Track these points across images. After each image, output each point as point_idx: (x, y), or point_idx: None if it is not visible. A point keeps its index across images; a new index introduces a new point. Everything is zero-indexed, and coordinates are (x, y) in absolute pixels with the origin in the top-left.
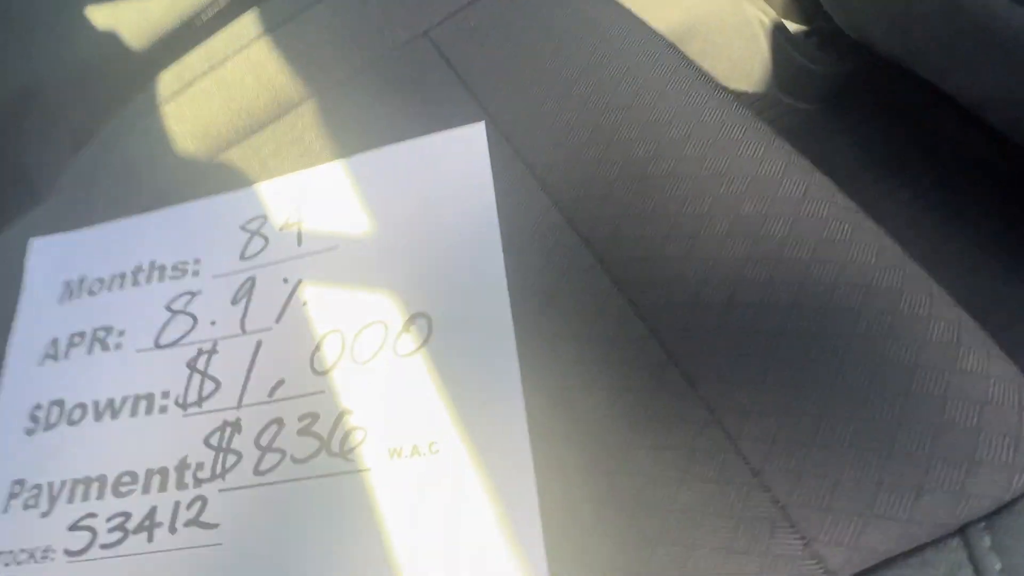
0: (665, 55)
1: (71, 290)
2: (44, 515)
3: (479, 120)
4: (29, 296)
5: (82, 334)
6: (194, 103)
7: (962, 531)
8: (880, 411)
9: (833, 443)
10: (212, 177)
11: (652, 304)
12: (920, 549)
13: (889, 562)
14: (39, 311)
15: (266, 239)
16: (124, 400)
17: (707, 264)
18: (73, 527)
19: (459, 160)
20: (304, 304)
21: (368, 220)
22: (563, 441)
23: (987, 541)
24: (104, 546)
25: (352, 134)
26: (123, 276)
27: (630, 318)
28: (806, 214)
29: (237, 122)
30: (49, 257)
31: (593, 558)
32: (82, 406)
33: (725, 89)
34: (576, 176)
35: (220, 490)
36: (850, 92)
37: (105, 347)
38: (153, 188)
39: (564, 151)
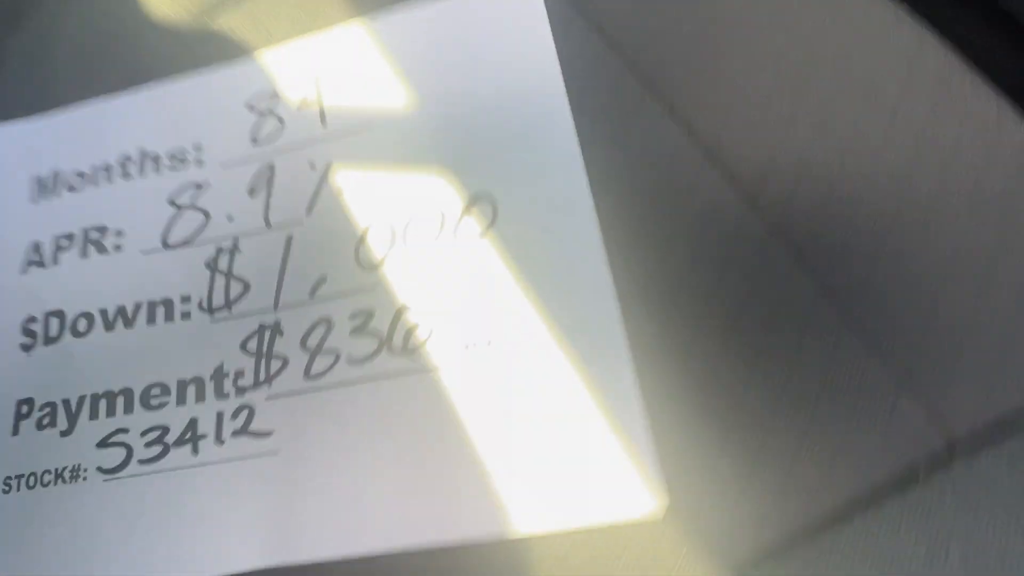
0: None
1: (45, 186)
2: (65, 433)
3: None
4: None
5: (70, 236)
6: None
7: None
8: (1008, 273)
9: (957, 308)
10: (199, 48)
11: (751, 174)
12: None
13: (1014, 425)
14: (8, 212)
15: (281, 119)
16: (138, 307)
17: (813, 128)
18: (103, 444)
19: (509, 13)
20: (338, 192)
21: (405, 91)
22: (660, 323)
23: None
24: (143, 461)
25: None
26: (108, 168)
27: (726, 190)
28: (920, 70)
29: None
30: (9, 149)
31: (699, 439)
32: (87, 316)
33: None
34: (653, 32)
35: (267, 397)
36: None
37: (102, 249)
38: (125, 64)
39: (636, 1)
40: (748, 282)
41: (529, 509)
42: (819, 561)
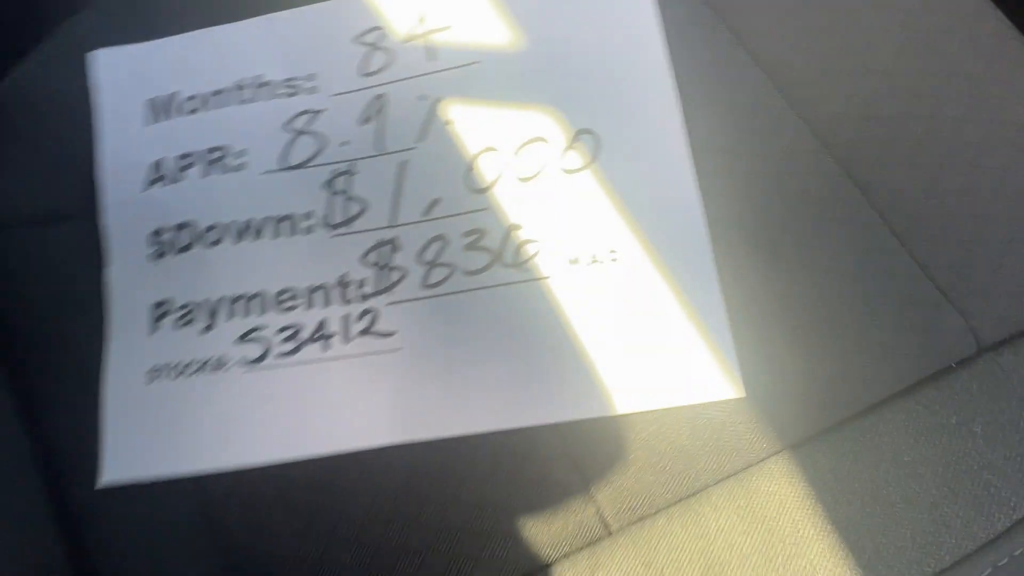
0: None
1: (160, 109)
2: (205, 330)
3: None
4: (109, 116)
5: (190, 155)
6: None
7: None
8: None
9: (997, 237)
10: None
11: (826, 119)
12: None
13: None
14: (126, 131)
15: (389, 53)
16: (264, 221)
17: (882, 77)
18: (243, 339)
19: None
20: (448, 122)
21: (511, 32)
22: (743, 245)
23: None
24: (280, 355)
25: None
26: (223, 93)
27: (804, 132)
28: (978, 33)
29: None
30: (123, 72)
31: (774, 339)
32: (216, 227)
33: None
34: None
35: (388, 303)
36: None
37: (225, 168)
38: None
39: None
40: (820, 212)
41: (627, 392)
42: (869, 433)
